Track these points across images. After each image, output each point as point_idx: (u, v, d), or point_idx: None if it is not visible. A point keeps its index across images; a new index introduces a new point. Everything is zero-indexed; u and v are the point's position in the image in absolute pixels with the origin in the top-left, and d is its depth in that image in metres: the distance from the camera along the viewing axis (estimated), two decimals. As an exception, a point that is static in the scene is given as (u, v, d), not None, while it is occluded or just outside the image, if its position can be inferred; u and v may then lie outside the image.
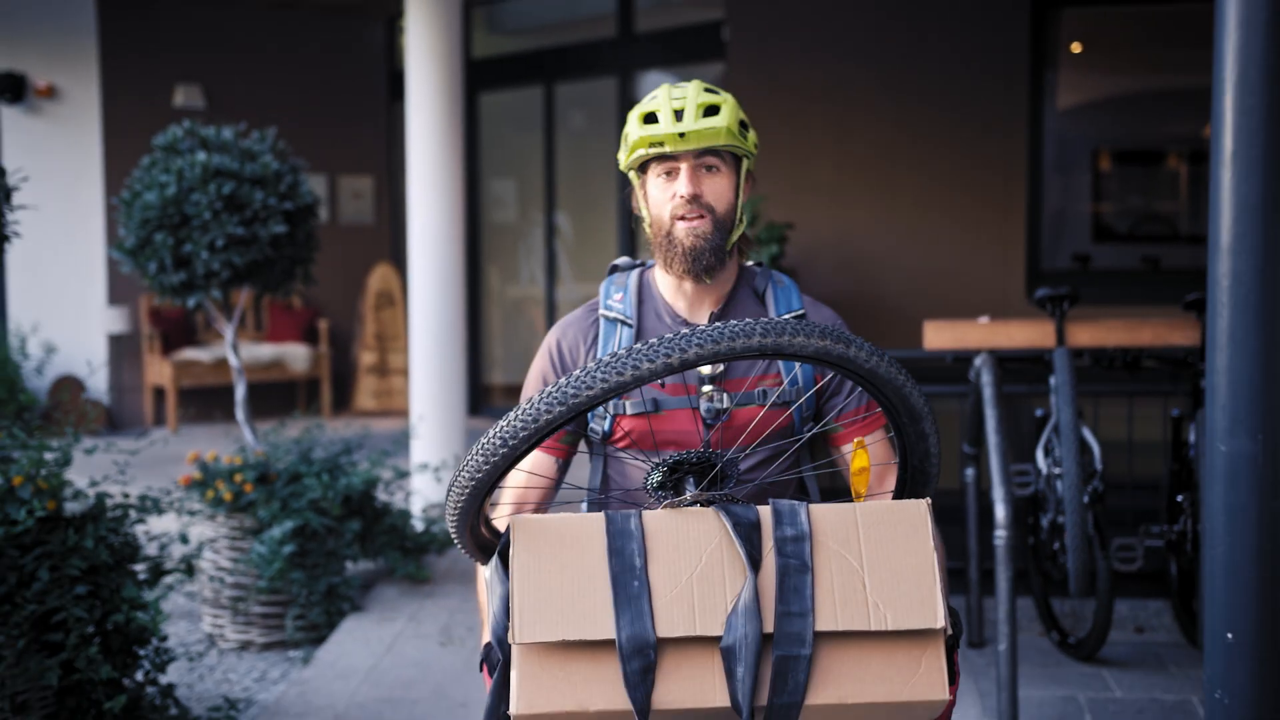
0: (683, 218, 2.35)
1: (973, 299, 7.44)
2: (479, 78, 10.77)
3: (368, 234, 11.61)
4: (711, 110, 2.34)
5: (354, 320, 11.42)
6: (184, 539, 4.50)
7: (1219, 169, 2.67)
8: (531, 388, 2.49)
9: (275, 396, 10.73)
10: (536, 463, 2.45)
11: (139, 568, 4.08)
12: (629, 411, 2.38)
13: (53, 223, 9.79)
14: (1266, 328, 2.69)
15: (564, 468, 2.48)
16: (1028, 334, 4.77)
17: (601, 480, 2.47)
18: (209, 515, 5.50)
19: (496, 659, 1.96)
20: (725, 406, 2.36)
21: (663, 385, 2.39)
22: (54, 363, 10.08)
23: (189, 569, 4.33)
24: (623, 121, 9.74)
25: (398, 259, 11.34)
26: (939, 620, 1.87)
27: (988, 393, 4.55)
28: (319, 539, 5.46)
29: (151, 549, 4.75)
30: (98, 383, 10.21)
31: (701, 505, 1.96)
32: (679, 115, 2.32)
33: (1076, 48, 8.70)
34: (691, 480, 2.03)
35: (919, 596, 1.88)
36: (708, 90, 2.37)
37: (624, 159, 2.42)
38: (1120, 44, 8.36)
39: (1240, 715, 2.66)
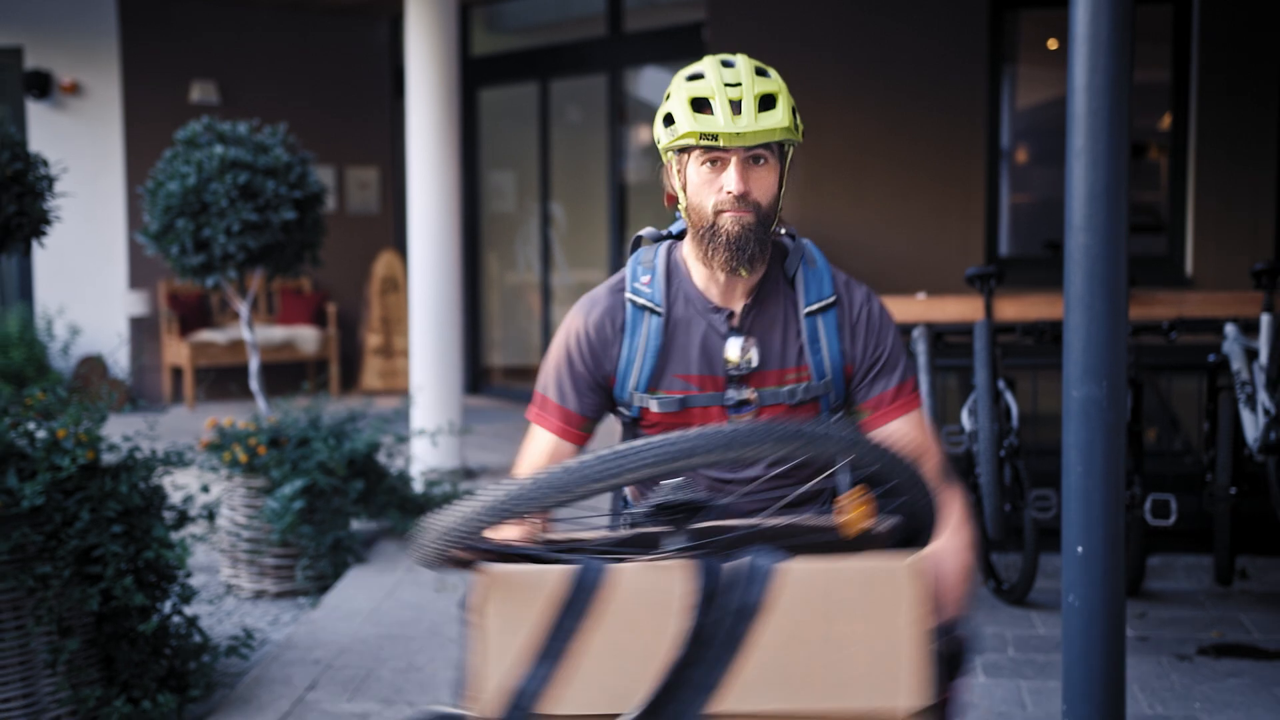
0: (728, 210, 2.23)
1: (934, 280, 7.90)
2: (478, 75, 11.24)
3: (373, 223, 12.08)
4: (768, 101, 2.21)
5: (360, 304, 11.90)
6: (205, 489, 5.00)
7: (1072, 160, 3.15)
8: (552, 369, 2.38)
9: (286, 376, 11.21)
10: (561, 450, 2.36)
11: (167, 514, 4.56)
12: (655, 409, 2.31)
13: (76, 210, 10.25)
14: (1110, 292, 3.17)
15: (580, 451, 2.39)
16: (959, 308, 5.26)
17: None
18: (226, 476, 6.00)
19: None
20: (752, 402, 2.30)
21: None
22: (78, 343, 10.58)
23: (210, 516, 4.82)
24: (615, 119, 10.25)
25: (401, 246, 11.82)
26: (900, 700, 1.75)
27: (921, 360, 5.04)
28: (326, 497, 5.95)
29: (175, 500, 5.23)
30: (119, 362, 10.70)
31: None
32: (735, 108, 2.18)
33: (1053, 44, 9.16)
34: (674, 526, 1.95)
35: (881, 675, 1.75)
36: (759, 72, 2.24)
37: (665, 139, 2.26)
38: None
39: (1087, 614, 3.15)
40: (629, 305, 2.33)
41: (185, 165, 5.92)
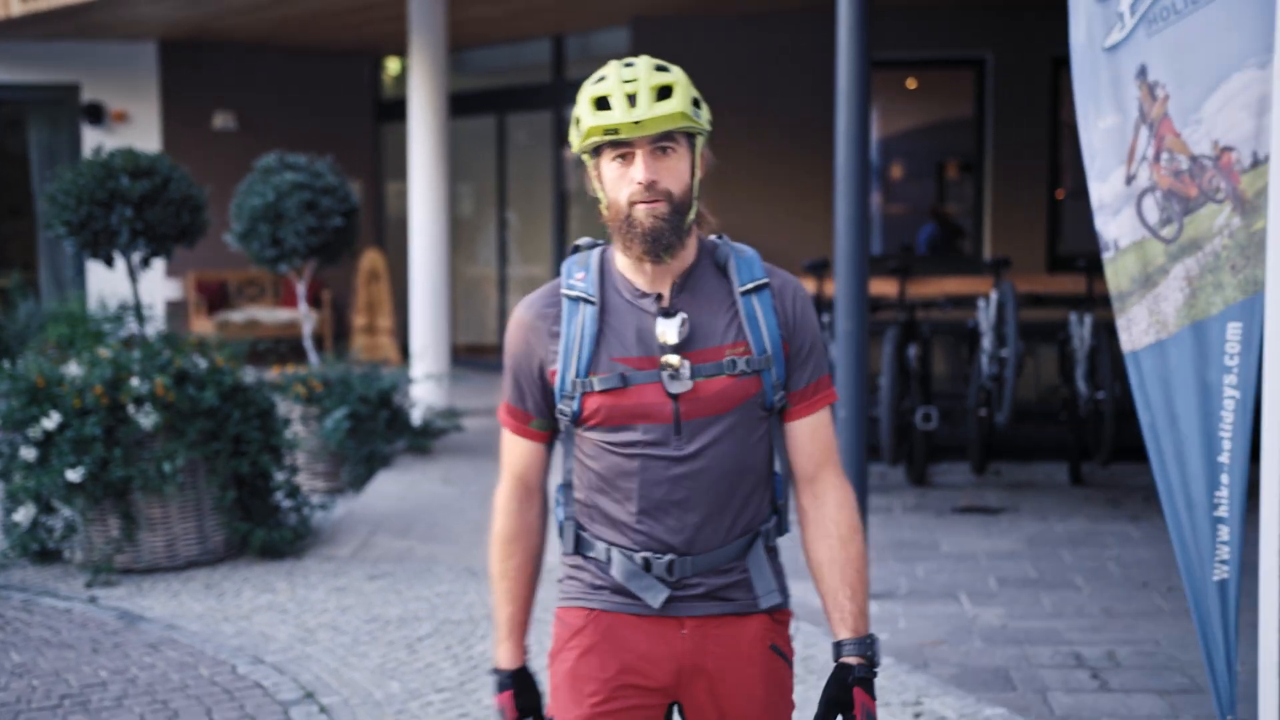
0: (640, 201, 2.22)
1: (796, 272, 10.11)
2: (449, 108, 13.28)
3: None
4: (664, 92, 2.20)
5: (349, 292, 13.90)
6: (305, 402, 7.06)
7: (838, 199, 5.35)
8: (505, 371, 2.40)
9: (279, 348, 13.19)
10: (529, 448, 2.39)
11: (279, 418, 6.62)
12: (597, 388, 2.26)
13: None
14: (857, 270, 5.35)
15: (552, 445, 2.42)
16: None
17: (573, 463, 2.36)
18: (293, 405, 8.05)
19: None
20: (688, 379, 2.25)
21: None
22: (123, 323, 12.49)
23: (304, 420, 6.90)
24: (558, 145, 12.37)
25: (381, 244, 13.84)
26: None
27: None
28: (363, 420, 8.01)
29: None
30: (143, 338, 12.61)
31: None
32: (632, 100, 2.18)
33: (912, 83, 11.43)
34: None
35: None
36: (658, 69, 2.23)
37: (576, 143, 2.27)
38: (934, 85, 11.12)
39: (853, 434, 5.33)
40: (564, 299, 2.32)
41: (263, 185, 7.96)
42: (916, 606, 5.42)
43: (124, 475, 5.92)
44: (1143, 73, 3.18)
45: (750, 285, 2.30)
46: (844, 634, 2.29)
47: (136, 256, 6.71)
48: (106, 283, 12.56)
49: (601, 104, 2.20)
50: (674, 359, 2.24)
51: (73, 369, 6.20)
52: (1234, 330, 3.00)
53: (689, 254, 2.31)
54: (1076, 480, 7.68)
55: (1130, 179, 3.24)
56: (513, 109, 12.78)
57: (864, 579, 2.32)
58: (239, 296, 13.24)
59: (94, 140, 12.51)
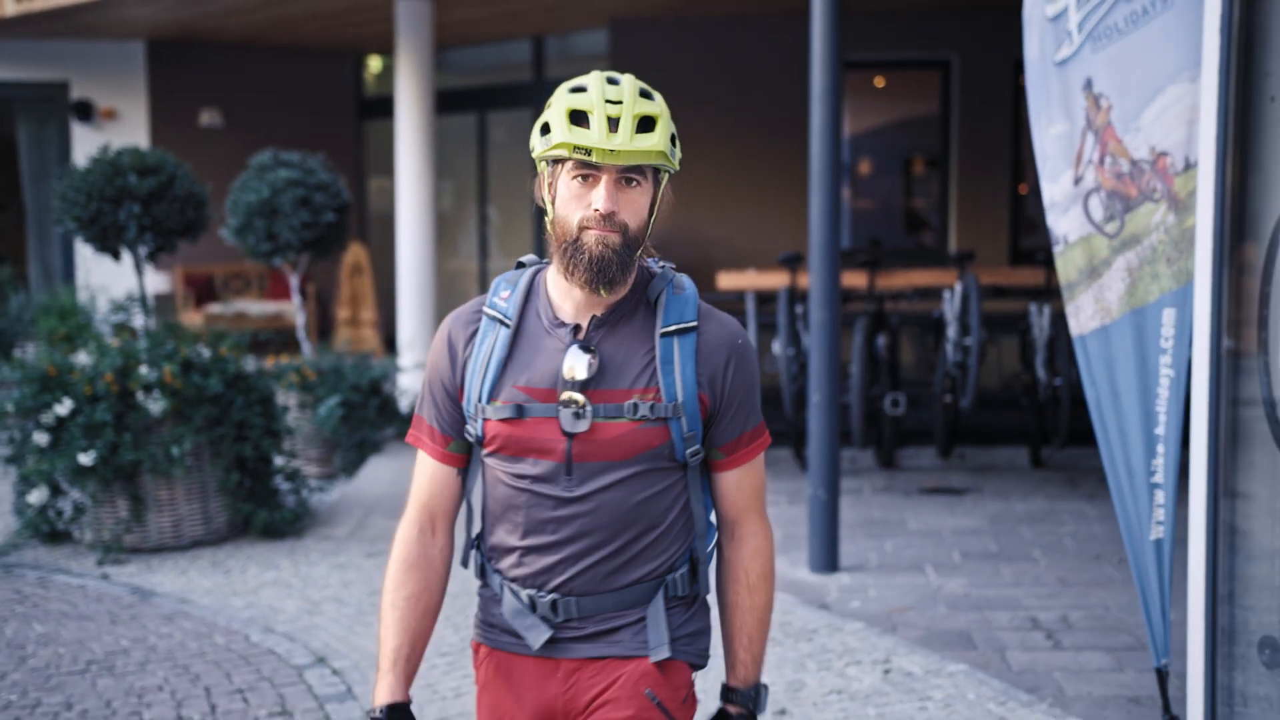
0: (592, 228, 2.08)
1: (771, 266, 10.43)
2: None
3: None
4: (647, 124, 2.06)
5: (333, 285, 14.13)
6: (303, 388, 7.32)
7: (812, 195, 5.66)
8: (422, 385, 2.30)
9: (276, 340, 13.43)
10: (439, 474, 2.26)
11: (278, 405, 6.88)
12: (492, 416, 2.16)
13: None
14: (829, 262, 5.66)
15: (465, 473, 2.29)
16: (775, 279, 7.78)
17: (481, 486, 2.28)
18: (287, 393, 8.30)
19: None
20: (586, 419, 2.13)
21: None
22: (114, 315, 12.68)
23: (301, 406, 7.16)
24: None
25: (365, 238, 14.08)
26: None
27: (750, 311, 7.54)
28: (354, 408, 8.28)
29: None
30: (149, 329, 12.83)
31: None
32: (613, 125, 2.03)
33: (880, 82, 11.76)
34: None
35: None
36: (644, 95, 2.08)
37: (539, 149, 2.11)
38: (902, 85, 11.46)
39: (826, 410, 5.64)
40: (483, 318, 2.22)
41: (258, 182, 8.21)
42: (886, 578, 5.74)
43: (133, 459, 6.17)
44: (1089, 85, 3.50)
45: (673, 328, 2.16)
46: (733, 681, 2.29)
47: (143, 250, 6.95)
48: (95, 276, 12.79)
49: (578, 118, 2.06)
50: (578, 396, 2.12)
51: (82, 358, 6.45)
52: (1169, 316, 3.33)
53: (624, 286, 2.18)
54: (1036, 463, 8.03)
55: (1078, 180, 3.57)
56: (493, 107, 13.05)
57: (765, 627, 2.27)
58: (225, 290, 13.46)
59: (83, 137, 12.71)
